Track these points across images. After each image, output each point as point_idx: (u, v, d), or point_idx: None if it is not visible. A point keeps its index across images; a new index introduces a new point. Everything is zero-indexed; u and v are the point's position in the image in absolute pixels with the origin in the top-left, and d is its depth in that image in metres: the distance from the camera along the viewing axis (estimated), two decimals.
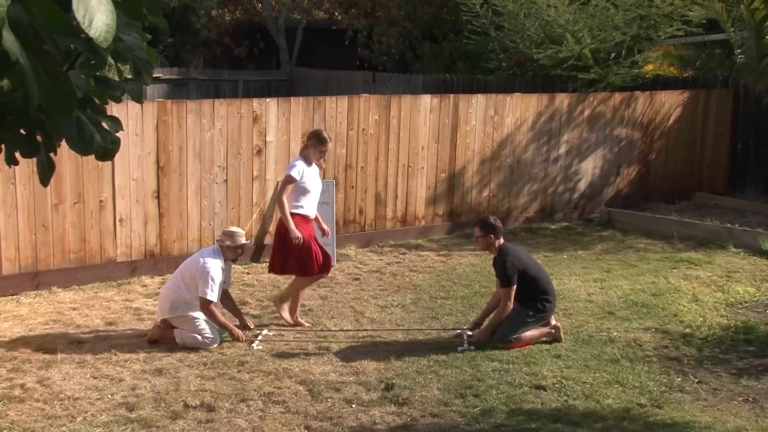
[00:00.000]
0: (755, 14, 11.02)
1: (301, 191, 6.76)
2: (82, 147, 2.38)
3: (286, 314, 7.00)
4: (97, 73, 2.50)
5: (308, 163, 6.82)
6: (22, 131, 2.43)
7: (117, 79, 2.71)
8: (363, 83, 17.81)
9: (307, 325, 7.02)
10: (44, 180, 2.57)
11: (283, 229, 6.77)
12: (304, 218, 6.80)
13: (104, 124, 2.49)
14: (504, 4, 13.98)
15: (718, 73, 13.22)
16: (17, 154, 2.52)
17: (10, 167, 2.60)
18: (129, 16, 2.32)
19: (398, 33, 19.77)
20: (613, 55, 13.12)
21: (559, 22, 13.01)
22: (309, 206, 6.84)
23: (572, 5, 13.28)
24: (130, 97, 2.73)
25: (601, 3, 13.07)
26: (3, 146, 2.50)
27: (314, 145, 6.81)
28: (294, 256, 6.77)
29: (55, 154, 2.55)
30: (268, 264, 7.25)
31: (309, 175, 6.78)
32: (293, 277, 7.06)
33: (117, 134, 2.57)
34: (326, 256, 6.96)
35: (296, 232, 6.62)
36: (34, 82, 2.01)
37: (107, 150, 2.47)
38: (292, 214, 6.71)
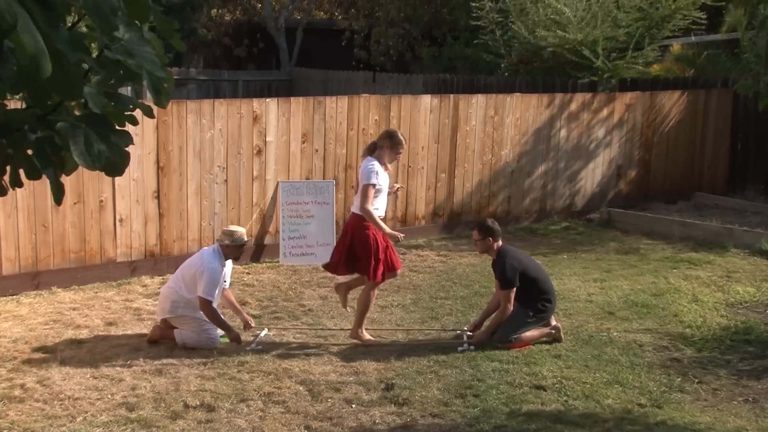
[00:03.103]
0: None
1: (376, 194, 6.44)
2: (90, 162, 2.35)
3: (365, 334, 6.63)
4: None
5: (382, 164, 6.53)
6: (29, 151, 2.41)
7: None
8: (363, 83, 17.81)
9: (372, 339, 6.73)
10: (58, 199, 2.53)
11: (355, 233, 6.45)
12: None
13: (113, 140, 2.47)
14: (514, 2, 14.04)
15: (718, 75, 13.25)
16: (22, 176, 2.50)
17: (13, 189, 2.56)
18: (133, 16, 2.28)
19: (397, 34, 19.79)
20: (614, 54, 13.18)
21: (571, 11, 13.05)
22: (382, 207, 6.56)
23: (580, 2, 13.34)
24: (143, 113, 2.71)
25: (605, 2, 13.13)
26: (8, 168, 2.47)
27: (390, 147, 6.53)
28: (364, 259, 6.44)
29: (64, 172, 2.49)
30: (329, 264, 6.75)
31: (383, 177, 6.50)
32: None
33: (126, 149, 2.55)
34: (392, 261, 6.65)
35: (394, 234, 6.41)
36: (39, 41, 1.95)
37: (116, 165, 2.44)
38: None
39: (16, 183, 2.53)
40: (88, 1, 2.07)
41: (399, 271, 6.91)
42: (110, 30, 2.14)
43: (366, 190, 6.35)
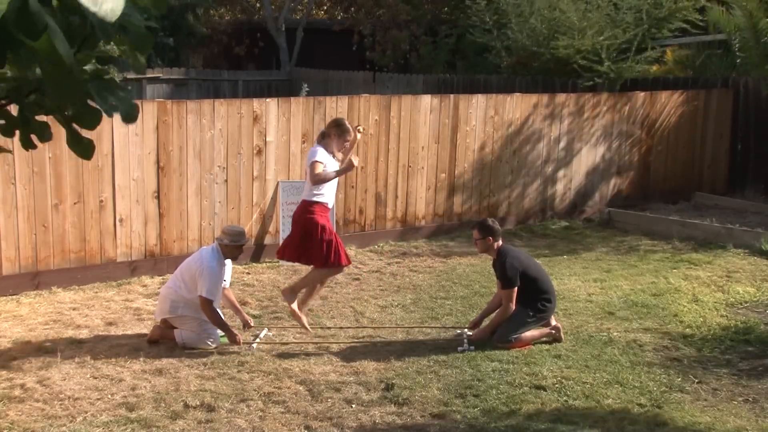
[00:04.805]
0: (753, 16, 11.04)
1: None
2: (108, 111, 2.40)
3: (295, 306, 6.68)
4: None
5: (330, 152, 6.52)
6: (42, 118, 2.45)
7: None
8: (363, 83, 17.83)
9: (305, 323, 6.81)
10: (87, 153, 2.58)
11: (303, 219, 6.46)
12: (324, 207, 6.51)
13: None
14: (508, 1, 14.07)
15: (717, 75, 13.28)
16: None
17: (27, 150, 2.61)
18: None
19: (405, 37, 19.92)
20: (615, 54, 13.21)
21: (569, 18, 13.09)
22: (329, 195, 6.54)
23: (576, 4, 13.36)
24: (133, 70, 2.75)
25: (603, 3, 13.17)
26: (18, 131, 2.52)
27: (338, 135, 6.51)
28: (313, 246, 6.44)
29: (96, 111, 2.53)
30: (278, 248, 6.84)
31: (329, 162, 6.48)
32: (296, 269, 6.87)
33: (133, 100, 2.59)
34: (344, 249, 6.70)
35: (350, 162, 6.41)
36: (65, 43, 2.01)
37: (130, 113, 2.49)
38: (313, 203, 6.44)
39: (29, 144, 2.57)
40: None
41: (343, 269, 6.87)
42: (110, 37, 2.18)
43: (313, 165, 6.37)
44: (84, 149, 2.59)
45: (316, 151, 6.47)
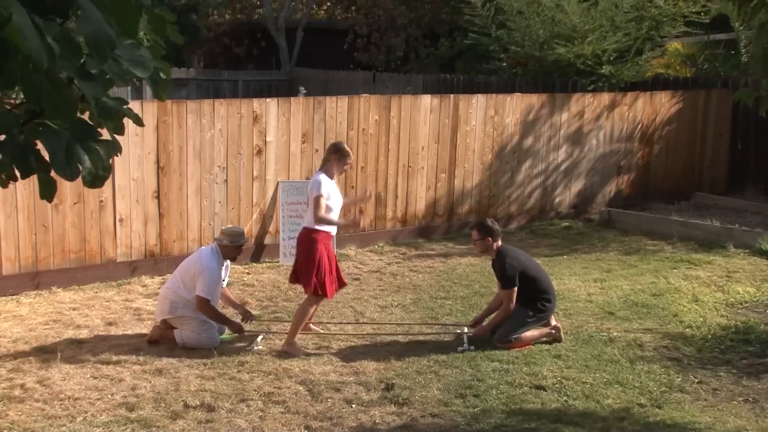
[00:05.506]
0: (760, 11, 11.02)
1: (326, 208, 6.42)
2: (69, 173, 2.30)
3: (314, 327, 6.89)
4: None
5: (330, 177, 6.51)
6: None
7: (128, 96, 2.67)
8: (363, 83, 17.83)
9: (320, 330, 6.92)
10: (48, 195, 2.50)
11: (302, 246, 6.46)
12: (327, 234, 6.50)
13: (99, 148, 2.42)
14: (509, 3, 14.06)
15: (721, 73, 13.27)
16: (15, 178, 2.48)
17: (16, 181, 2.54)
18: (124, 33, 2.24)
19: (402, 39, 19.93)
20: (615, 56, 13.22)
21: (572, 20, 13.09)
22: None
23: (580, 5, 13.36)
24: (132, 121, 2.65)
25: (604, 4, 13.17)
26: None
27: (338, 159, 6.51)
28: (306, 272, 6.42)
29: (49, 171, 2.44)
30: (290, 274, 6.84)
31: (333, 190, 6.48)
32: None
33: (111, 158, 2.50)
34: (339, 280, 6.72)
35: (353, 221, 7.00)
36: (35, 36, 1.95)
37: (97, 177, 2.39)
38: (316, 230, 6.41)
39: (3, 184, 2.51)
40: (89, 34, 2.07)
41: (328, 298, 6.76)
42: (105, 59, 2.14)
43: (317, 200, 6.35)
44: (49, 193, 2.51)
45: (320, 183, 6.40)
